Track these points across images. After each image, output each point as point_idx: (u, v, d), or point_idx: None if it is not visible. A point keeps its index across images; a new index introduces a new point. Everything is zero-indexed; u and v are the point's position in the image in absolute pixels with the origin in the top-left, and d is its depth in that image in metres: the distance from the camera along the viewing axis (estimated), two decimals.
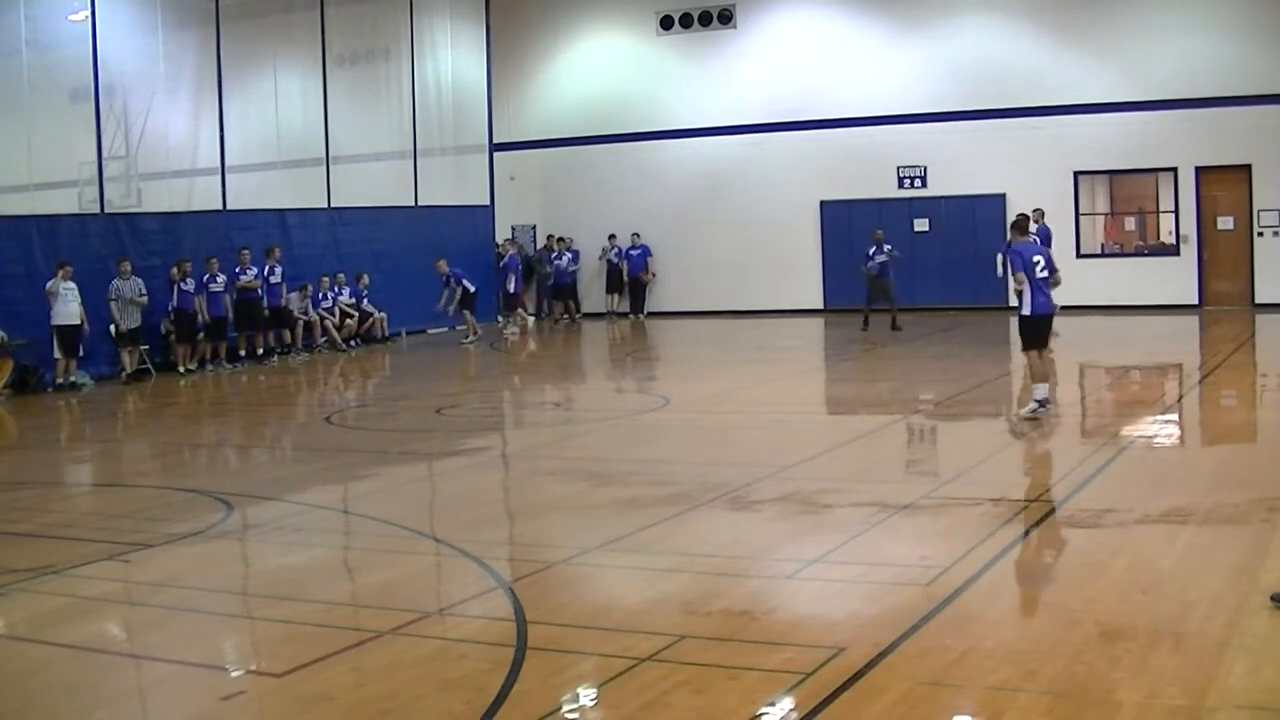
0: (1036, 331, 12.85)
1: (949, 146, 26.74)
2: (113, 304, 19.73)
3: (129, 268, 20.00)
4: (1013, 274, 12.99)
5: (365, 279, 24.66)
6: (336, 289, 24.27)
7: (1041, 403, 12.79)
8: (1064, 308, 21.68)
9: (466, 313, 24.90)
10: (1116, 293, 23.46)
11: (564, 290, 29.66)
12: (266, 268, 22.55)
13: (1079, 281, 23.32)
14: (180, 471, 12.95)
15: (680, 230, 29.08)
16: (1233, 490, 9.41)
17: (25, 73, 20.17)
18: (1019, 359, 20.38)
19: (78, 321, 19.13)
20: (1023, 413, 12.89)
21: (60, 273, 19.03)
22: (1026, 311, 12.78)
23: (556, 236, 30.04)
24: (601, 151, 29.83)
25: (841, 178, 27.66)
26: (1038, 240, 13.86)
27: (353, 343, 24.04)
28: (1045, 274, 12.72)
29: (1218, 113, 24.70)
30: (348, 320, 24.26)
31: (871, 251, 23.30)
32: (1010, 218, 25.42)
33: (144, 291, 20.08)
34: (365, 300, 24.75)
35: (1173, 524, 8.48)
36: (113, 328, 20.01)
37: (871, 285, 23.46)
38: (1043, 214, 22.15)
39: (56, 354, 19.20)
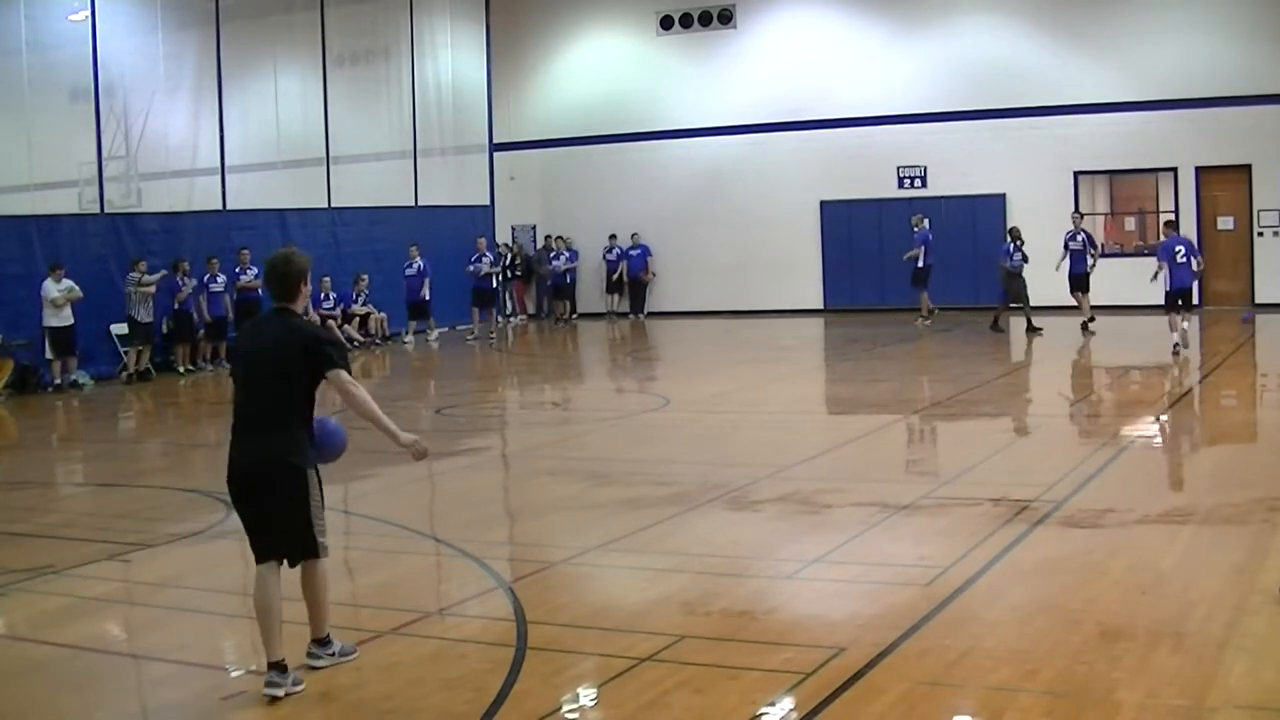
0: (1172, 300, 18.01)
1: (949, 146, 26.74)
2: (131, 295, 19.75)
3: (145, 267, 20.02)
4: (1158, 260, 18.31)
5: (364, 280, 24.64)
6: (354, 295, 24.42)
7: (1175, 346, 17.80)
8: (1062, 307, 22.19)
9: (479, 310, 25.04)
10: (1117, 293, 23.47)
11: (562, 290, 29.65)
12: None
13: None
14: (180, 471, 12.95)
15: (680, 230, 29.07)
16: (1233, 490, 9.41)
17: (25, 73, 20.18)
18: (1019, 359, 20.51)
19: (71, 322, 19.12)
20: (1172, 346, 17.87)
21: (52, 275, 19.00)
22: (1167, 287, 18.03)
23: (555, 236, 30.03)
24: (601, 151, 29.83)
25: (841, 178, 27.66)
26: (1178, 235, 19.17)
27: (355, 343, 24.05)
28: (1185, 259, 18.07)
29: (1218, 113, 24.69)
30: (362, 320, 24.49)
31: (1010, 248, 22.11)
32: (1010, 218, 25.87)
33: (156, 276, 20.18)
34: (361, 301, 24.75)
35: (1173, 524, 8.48)
36: (124, 325, 20.06)
37: (1011, 283, 22.08)
38: (1082, 216, 22.82)
39: (48, 354, 19.19)
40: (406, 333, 25.01)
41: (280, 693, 5.85)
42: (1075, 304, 22.09)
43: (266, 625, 5.97)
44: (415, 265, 24.80)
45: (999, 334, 22.00)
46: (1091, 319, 21.76)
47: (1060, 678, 5.76)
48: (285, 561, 6.09)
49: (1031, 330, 21.63)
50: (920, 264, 24.28)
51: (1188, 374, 17.48)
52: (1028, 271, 22.09)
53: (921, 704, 5.60)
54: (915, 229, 24.56)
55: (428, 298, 24.96)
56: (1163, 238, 19.74)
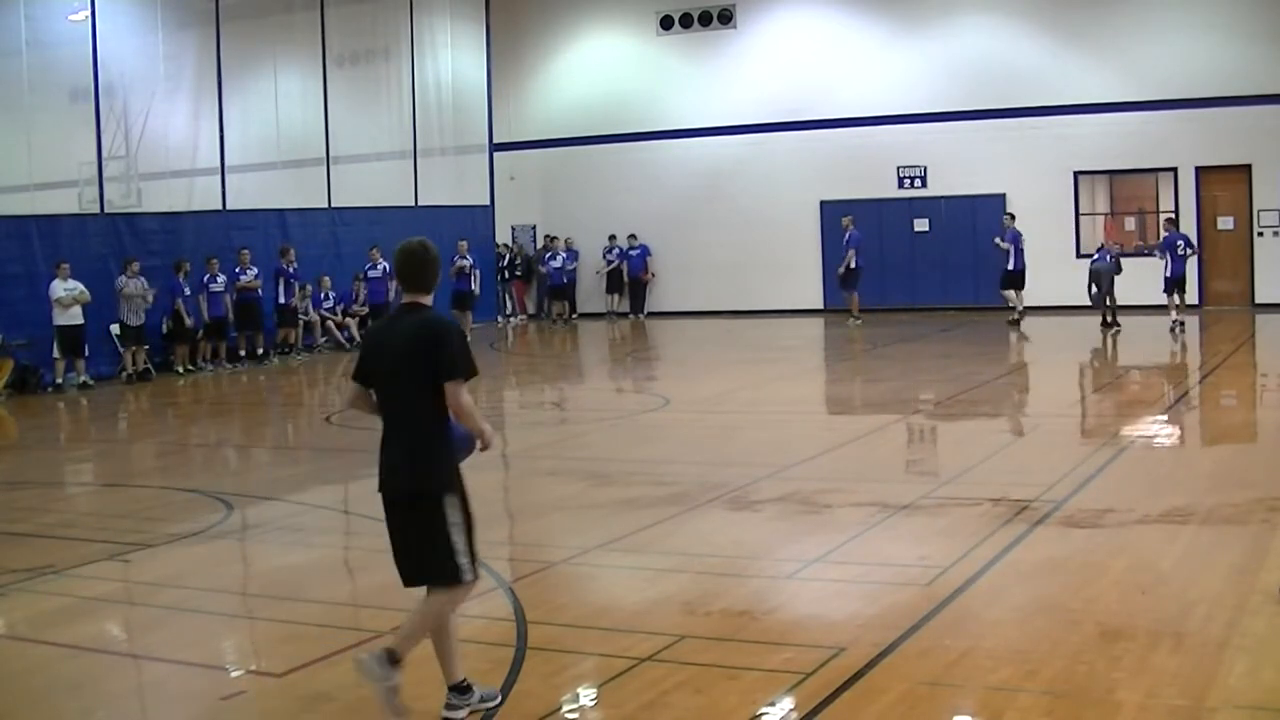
0: (1171, 285, 21.17)
1: (949, 146, 26.74)
2: (122, 301, 19.77)
3: (137, 268, 20.03)
4: (1160, 252, 21.63)
5: (327, 280, 24.25)
6: (354, 294, 24.33)
7: (1174, 325, 20.78)
8: (1064, 307, 22.34)
9: (467, 313, 24.96)
10: (1116, 292, 23.44)
11: (560, 290, 29.60)
12: (291, 267, 22.68)
13: (1079, 281, 23.33)
14: (180, 471, 12.95)
15: (680, 230, 29.07)
16: (1233, 490, 9.41)
17: (25, 73, 20.17)
18: (1019, 359, 20.53)
19: (81, 321, 19.13)
20: (1171, 324, 20.87)
21: (59, 272, 19.01)
22: (1168, 275, 21.17)
23: (550, 236, 30.00)
24: (601, 151, 29.82)
25: (841, 178, 27.64)
26: (1175, 233, 22.03)
27: (355, 342, 24.04)
28: (1184, 252, 21.35)
29: (1218, 113, 24.69)
30: (362, 320, 24.43)
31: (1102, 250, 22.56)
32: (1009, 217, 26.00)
33: (152, 291, 20.13)
34: (362, 300, 24.62)
35: (1173, 524, 8.48)
36: (117, 326, 20.06)
37: (1102, 281, 22.17)
38: (1013, 218, 24.13)
39: (55, 354, 19.19)
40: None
41: (462, 715, 5.49)
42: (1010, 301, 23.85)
43: (437, 647, 5.56)
44: (380, 267, 24.14)
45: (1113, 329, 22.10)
46: (1020, 318, 23.50)
47: (1060, 678, 5.76)
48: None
49: (1112, 324, 21.99)
50: (851, 266, 25.18)
51: (1187, 374, 17.50)
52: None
53: (921, 704, 5.60)
54: (845, 231, 25.38)
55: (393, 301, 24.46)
56: (1164, 234, 22.36)
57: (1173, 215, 24.01)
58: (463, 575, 5.48)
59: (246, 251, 22.20)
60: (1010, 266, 23.61)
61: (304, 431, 15.78)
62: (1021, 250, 23.58)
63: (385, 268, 24.12)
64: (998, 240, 23.84)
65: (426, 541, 5.42)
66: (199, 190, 22.83)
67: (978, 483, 10.05)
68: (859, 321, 24.96)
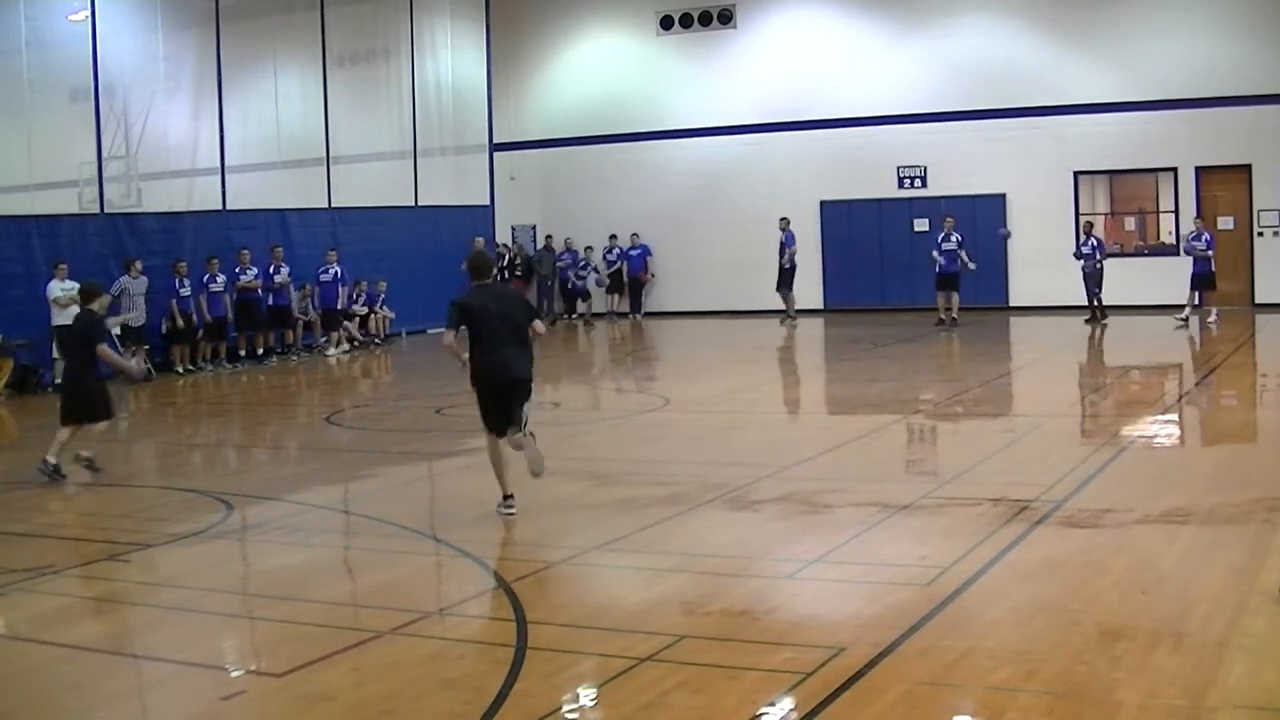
0: (1193, 281, 22.38)
1: (949, 146, 26.74)
2: (121, 300, 19.77)
3: (140, 267, 20.03)
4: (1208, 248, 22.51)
5: (363, 284, 24.40)
6: (353, 294, 24.33)
7: (1183, 321, 22.07)
8: (1063, 307, 22.40)
9: None
10: (1116, 293, 23.48)
11: (577, 293, 29.69)
12: (271, 267, 22.68)
13: (1079, 281, 23.38)
14: (180, 471, 12.95)
15: (680, 230, 29.07)
16: (1233, 490, 9.41)
17: (25, 73, 20.19)
18: (1019, 359, 20.53)
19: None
20: (1177, 319, 22.10)
21: (56, 273, 18.99)
22: (1213, 269, 22.43)
23: (567, 240, 30.03)
24: (601, 151, 29.83)
25: (841, 178, 27.65)
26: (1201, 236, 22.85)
27: (355, 342, 24.04)
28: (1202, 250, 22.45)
29: (1218, 113, 24.70)
30: (362, 320, 24.40)
31: (1087, 243, 23.33)
32: (1010, 218, 25.98)
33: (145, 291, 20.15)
34: (361, 301, 24.65)
35: (1173, 524, 8.48)
36: (117, 326, 20.05)
37: (1091, 278, 23.21)
38: (953, 223, 24.29)
39: (55, 354, 19.18)
40: (329, 344, 23.43)
41: (514, 514, 9.32)
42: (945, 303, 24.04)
43: (501, 472, 9.44)
44: (332, 271, 23.60)
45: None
46: (954, 320, 23.69)
47: (1060, 678, 5.76)
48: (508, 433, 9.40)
49: (1101, 320, 23.00)
50: (788, 265, 25.84)
51: (1188, 374, 17.51)
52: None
53: (921, 704, 5.60)
54: (783, 231, 25.99)
55: (343, 305, 23.87)
56: (1206, 232, 22.92)
57: (1197, 215, 24.42)
58: (526, 421, 9.46)
59: (246, 251, 22.22)
60: (951, 269, 24.05)
61: (304, 431, 15.77)
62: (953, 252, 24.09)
63: (337, 272, 23.75)
64: (949, 250, 23.98)
65: (522, 403, 9.38)
66: (199, 190, 22.83)
67: (978, 483, 10.06)
68: (794, 323, 25.43)
